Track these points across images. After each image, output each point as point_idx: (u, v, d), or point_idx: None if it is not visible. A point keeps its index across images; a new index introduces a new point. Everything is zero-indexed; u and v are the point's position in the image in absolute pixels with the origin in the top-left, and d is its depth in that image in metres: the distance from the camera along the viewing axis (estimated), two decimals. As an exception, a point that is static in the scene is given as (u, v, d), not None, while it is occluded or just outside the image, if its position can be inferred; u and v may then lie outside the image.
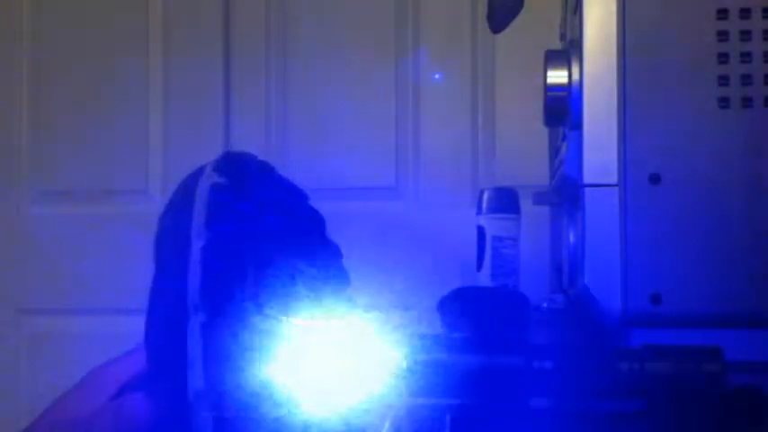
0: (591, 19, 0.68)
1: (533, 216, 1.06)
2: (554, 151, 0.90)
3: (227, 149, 1.46)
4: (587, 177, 0.67)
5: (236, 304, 0.44)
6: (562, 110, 0.71)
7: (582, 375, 0.52)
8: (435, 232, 1.42)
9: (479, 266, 1.02)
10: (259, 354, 0.44)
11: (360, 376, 0.51)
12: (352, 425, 0.50)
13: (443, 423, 0.61)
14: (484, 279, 1.02)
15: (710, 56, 0.67)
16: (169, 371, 0.42)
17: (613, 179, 0.67)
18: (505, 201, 1.03)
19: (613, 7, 0.68)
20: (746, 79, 0.66)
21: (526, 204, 1.01)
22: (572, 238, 0.75)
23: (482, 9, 1.05)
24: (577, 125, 0.68)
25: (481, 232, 1.02)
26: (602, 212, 0.67)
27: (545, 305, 0.87)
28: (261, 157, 0.50)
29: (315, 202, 0.53)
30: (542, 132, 0.97)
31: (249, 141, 1.46)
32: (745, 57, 0.67)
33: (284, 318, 0.47)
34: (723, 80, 0.67)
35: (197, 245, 0.43)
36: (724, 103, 0.67)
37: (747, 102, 0.66)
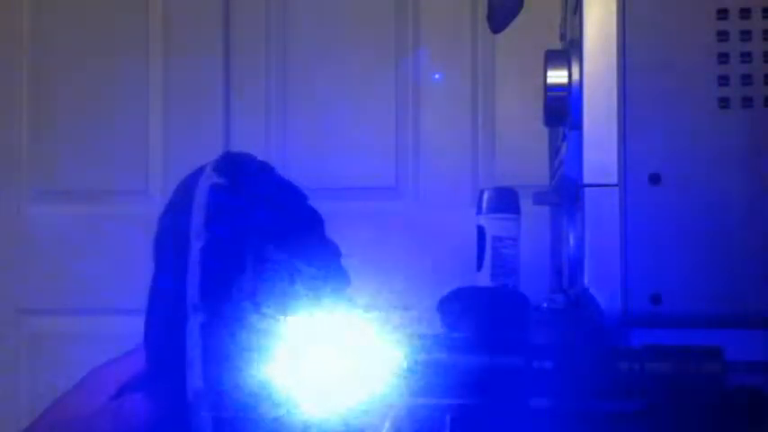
0: (591, 19, 0.68)
1: (533, 216, 1.06)
2: (554, 151, 0.90)
3: (227, 149, 1.46)
4: (587, 177, 0.67)
5: (236, 304, 0.44)
6: (562, 110, 0.71)
7: (582, 375, 0.52)
8: (435, 232, 1.42)
9: (479, 266, 1.02)
10: (258, 354, 0.44)
11: (360, 376, 0.51)
12: (352, 425, 0.50)
13: (443, 423, 0.61)
14: (484, 279, 1.02)
15: (710, 56, 0.67)
16: (168, 371, 0.42)
17: (613, 179, 0.67)
18: (505, 201, 1.03)
19: (613, 7, 0.68)
20: (746, 79, 0.66)
21: (526, 204, 1.01)
22: (572, 238, 0.75)
23: (482, 9, 1.05)
24: (577, 125, 0.68)
25: (481, 232, 1.02)
26: (602, 212, 0.67)
27: (545, 305, 0.87)
28: (261, 157, 0.50)
29: (315, 202, 0.52)
30: (542, 132, 0.97)
31: (249, 141, 1.46)
32: (745, 57, 0.67)
33: (283, 318, 0.47)
34: (723, 80, 0.67)
35: (196, 245, 0.43)
36: (724, 103, 0.66)
37: (747, 102, 0.66)
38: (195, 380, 0.42)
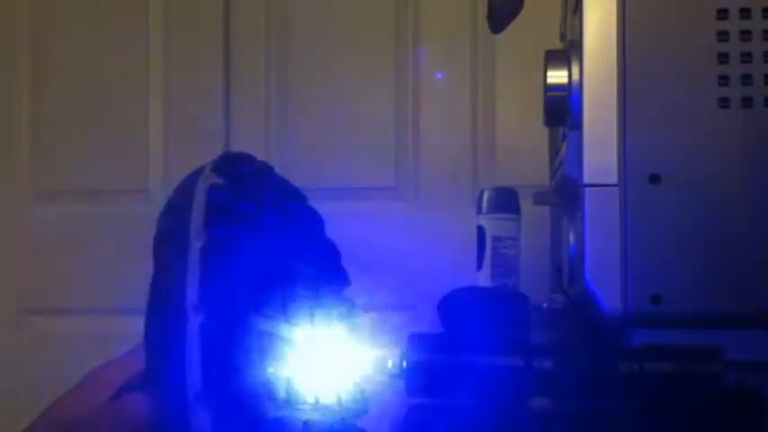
0: (591, 19, 0.68)
1: (533, 216, 1.06)
2: (554, 151, 0.90)
3: (227, 149, 1.46)
4: (587, 177, 0.67)
5: (235, 305, 0.44)
6: (562, 110, 0.71)
7: (582, 375, 0.52)
8: (435, 232, 1.42)
9: (479, 266, 1.02)
10: (258, 354, 0.44)
11: (359, 376, 0.52)
12: (352, 425, 0.50)
13: (443, 423, 0.61)
14: (484, 279, 1.02)
15: (710, 56, 0.67)
16: (168, 371, 0.42)
17: (613, 179, 0.67)
18: (505, 201, 1.03)
19: (613, 7, 0.68)
20: (746, 79, 0.66)
21: (526, 204, 1.01)
22: (572, 238, 0.75)
23: (482, 9, 1.05)
24: (577, 125, 0.68)
25: (481, 232, 1.02)
26: (602, 212, 0.67)
27: (545, 305, 0.87)
28: (261, 158, 0.50)
29: (315, 202, 0.52)
30: (542, 132, 0.97)
31: (249, 141, 1.46)
32: (745, 57, 0.66)
33: (283, 318, 0.47)
34: (723, 80, 0.67)
35: (195, 246, 0.43)
36: (724, 103, 0.66)
37: (747, 102, 0.66)
38: (195, 380, 0.42)
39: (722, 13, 0.67)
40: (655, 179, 0.67)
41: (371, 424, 0.52)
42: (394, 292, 1.35)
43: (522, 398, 0.53)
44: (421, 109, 1.46)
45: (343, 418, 0.49)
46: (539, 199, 0.92)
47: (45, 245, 1.52)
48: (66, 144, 1.52)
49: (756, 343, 0.64)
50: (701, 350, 0.54)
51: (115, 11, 1.52)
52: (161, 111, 1.51)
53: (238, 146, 1.48)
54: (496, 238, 1.01)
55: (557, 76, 0.71)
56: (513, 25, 0.85)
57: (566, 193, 0.78)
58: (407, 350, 0.53)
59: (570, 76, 0.70)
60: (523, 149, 1.38)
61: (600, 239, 0.66)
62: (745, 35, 0.67)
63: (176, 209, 0.45)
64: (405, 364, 0.52)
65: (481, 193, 1.04)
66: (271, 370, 0.45)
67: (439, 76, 1.46)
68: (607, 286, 0.66)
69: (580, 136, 0.68)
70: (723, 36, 0.67)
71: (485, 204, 1.03)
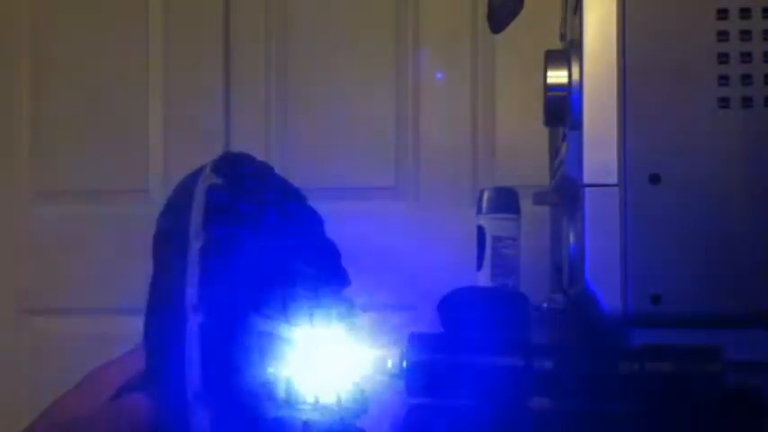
0: (591, 19, 0.68)
1: (533, 216, 1.06)
2: (554, 151, 0.90)
3: (227, 149, 1.46)
4: (587, 177, 0.67)
5: (235, 305, 0.44)
6: (562, 110, 0.71)
7: (582, 375, 0.52)
8: (435, 232, 1.42)
9: (479, 266, 1.02)
10: (257, 354, 0.44)
11: (359, 376, 0.51)
12: (352, 425, 0.50)
13: (444, 423, 0.61)
14: (484, 279, 1.02)
15: (710, 56, 0.67)
16: (167, 371, 0.42)
17: (613, 179, 0.67)
18: (505, 201, 1.03)
19: (613, 7, 0.68)
20: (746, 79, 0.66)
21: (526, 204, 1.01)
22: (572, 238, 0.75)
23: (482, 9, 1.05)
24: (577, 125, 0.68)
25: (481, 232, 1.02)
26: (602, 212, 0.67)
27: (545, 305, 0.87)
28: (261, 158, 0.50)
29: (315, 202, 0.52)
30: (542, 132, 0.97)
31: (249, 141, 1.46)
32: (746, 57, 0.66)
33: (283, 318, 0.47)
34: (723, 80, 0.67)
35: (195, 246, 0.43)
36: (724, 103, 0.66)
37: (747, 102, 0.66)
38: (194, 380, 0.42)
39: (722, 13, 0.67)
40: (655, 179, 0.67)
41: (371, 424, 0.52)
42: (394, 292, 1.35)
43: (522, 398, 0.53)
44: (421, 109, 1.46)
45: (342, 418, 0.49)
46: (539, 199, 0.92)
47: (45, 245, 1.52)
48: (66, 144, 1.52)
49: (756, 343, 0.64)
50: (701, 350, 0.54)
51: (115, 11, 1.52)
52: (161, 111, 1.51)
53: (238, 146, 1.48)
54: (496, 238, 1.01)
55: (557, 76, 0.71)
56: (513, 25, 0.85)
57: (566, 193, 0.78)
58: (407, 350, 0.53)
59: (570, 76, 0.70)
60: (523, 149, 1.38)
61: (600, 239, 0.66)
62: (745, 35, 0.67)
63: (176, 209, 0.45)
64: (405, 364, 0.52)
65: (481, 193, 1.04)
66: (270, 370, 0.45)
67: (439, 76, 1.46)
68: (607, 286, 0.66)
69: (580, 136, 0.68)
70: (723, 36, 0.67)
71: (485, 204, 1.03)
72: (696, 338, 0.65)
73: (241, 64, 1.50)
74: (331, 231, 0.53)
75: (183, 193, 0.45)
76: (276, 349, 0.45)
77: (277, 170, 0.51)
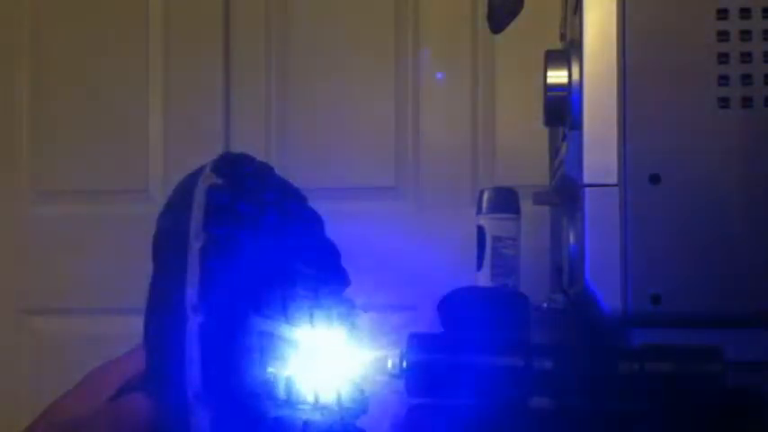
0: (591, 19, 0.68)
1: (533, 216, 1.06)
2: (554, 151, 0.90)
3: (227, 149, 1.46)
4: (587, 177, 0.67)
5: (235, 305, 0.44)
6: (562, 110, 0.71)
7: (582, 375, 0.52)
8: (435, 232, 1.42)
9: (479, 266, 1.02)
10: (258, 354, 0.44)
11: (359, 376, 0.51)
12: (352, 425, 0.50)
13: (444, 423, 0.61)
14: (484, 279, 1.02)
15: (710, 56, 0.67)
16: (168, 371, 0.42)
17: (613, 179, 0.67)
18: (505, 201, 1.03)
19: (613, 7, 0.68)
20: (746, 79, 0.66)
21: (526, 204, 1.01)
22: (572, 238, 0.75)
23: (482, 9, 1.05)
24: (577, 125, 0.68)
25: (481, 232, 1.02)
26: (602, 212, 0.67)
27: (545, 305, 0.87)
28: (261, 158, 0.50)
29: (315, 202, 0.52)
30: (542, 132, 0.97)
31: (249, 141, 1.46)
32: (745, 57, 0.66)
33: (283, 318, 0.47)
34: (723, 80, 0.67)
35: (195, 246, 0.43)
36: (724, 103, 0.66)
37: (747, 102, 0.66)
38: (194, 380, 0.42)
39: (722, 13, 0.67)
40: (655, 179, 0.67)
41: (371, 424, 0.52)
42: (394, 292, 1.35)
43: (522, 398, 0.53)
44: (421, 109, 1.46)
45: (342, 418, 0.49)
46: (539, 199, 0.92)
47: (45, 245, 1.52)
48: (66, 144, 1.52)
49: (756, 343, 0.64)
50: (701, 350, 0.54)
51: (115, 11, 1.52)
52: (161, 111, 1.51)
53: (238, 146, 1.48)
54: (496, 238, 1.01)
55: (557, 76, 0.71)
56: (513, 25, 0.85)
57: (566, 193, 0.78)
58: (407, 350, 0.53)
59: (570, 76, 0.70)
60: (523, 149, 1.38)
61: (600, 239, 0.66)
62: (745, 35, 0.67)
63: (176, 209, 0.45)
64: (405, 364, 0.52)
65: (481, 193, 1.04)
66: (270, 370, 0.45)
67: (439, 76, 1.46)
68: (607, 286, 0.66)
69: (580, 136, 0.68)
70: (723, 36, 0.67)
71: (485, 204, 1.03)
72: (696, 338, 0.65)
73: (241, 64, 1.50)
74: (331, 231, 0.53)
75: (183, 193, 0.45)
76: (276, 349, 0.45)
77: (277, 170, 0.51)
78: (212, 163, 0.47)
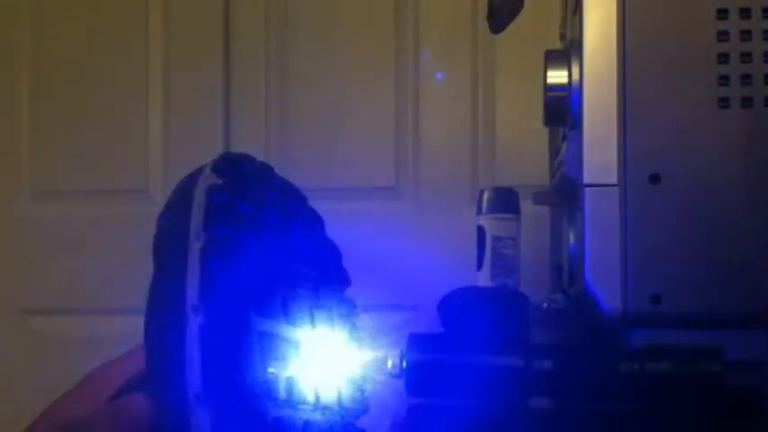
0: (591, 19, 0.68)
1: (533, 216, 1.06)
2: (554, 151, 0.90)
3: (227, 149, 1.46)
4: (587, 177, 0.67)
5: (235, 305, 0.44)
6: (562, 110, 0.71)
7: (582, 375, 0.52)
8: (435, 232, 1.42)
9: (479, 266, 1.02)
10: (258, 354, 0.44)
11: (359, 376, 0.52)
12: (352, 425, 0.50)
13: (444, 423, 0.61)
14: (484, 279, 1.02)
15: (710, 56, 0.67)
16: (168, 372, 0.42)
17: (613, 179, 0.67)
18: (505, 201, 1.03)
19: (613, 7, 0.68)
20: (746, 79, 0.66)
21: (526, 204, 1.01)
22: (572, 238, 0.75)
23: (482, 9, 1.05)
24: (577, 125, 0.68)
25: (481, 232, 1.02)
26: (602, 212, 0.67)
27: (545, 305, 0.87)
28: (261, 158, 0.50)
29: (315, 202, 0.52)
30: (542, 132, 0.97)
31: (249, 141, 1.46)
32: (745, 57, 0.66)
33: (283, 318, 0.47)
34: (723, 80, 0.67)
35: (196, 246, 0.43)
36: (724, 103, 0.66)
37: (747, 102, 0.66)
38: (195, 380, 0.42)
39: (722, 13, 0.67)
40: (655, 179, 0.67)
41: (371, 424, 0.52)
42: (394, 292, 1.35)
43: (522, 398, 0.53)
44: (421, 109, 1.46)
45: (343, 418, 0.49)
46: (539, 199, 0.92)
47: (45, 245, 1.52)
48: (66, 144, 1.52)
49: (756, 343, 0.64)
50: (701, 350, 0.54)
51: (115, 11, 1.52)
52: (161, 111, 1.51)
53: (238, 146, 1.48)
54: (496, 238, 1.01)
55: (557, 76, 0.71)
56: (513, 25, 0.85)
57: (566, 193, 0.78)
58: (407, 350, 0.53)
59: (570, 76, 0.70)
60: (523, 149, 1.38)
61: (600, 239, 0.66)
62: (745, 35, 0.67)
63: (176, 209, 0.45)
64: (405, 364, 0.52)
65: (481, 193, 1.04)
66: (271, 370, 0.45)
67: (439, 76, 1.46)
68: (607, 286, 0.66)
69: (580, 136, 0.68)
70: (723, 36, 0.67)
71: (485, 204, 1.03)
72: (696, 338, 0.65)
73: (241, 64, 1.50)
74: (331, 231, 0.53)
75: (184, 193, 0.45)
76: (277, 349, 0.45)
77: (277, 170, 0.51)
78: (212, 163, 0.47)
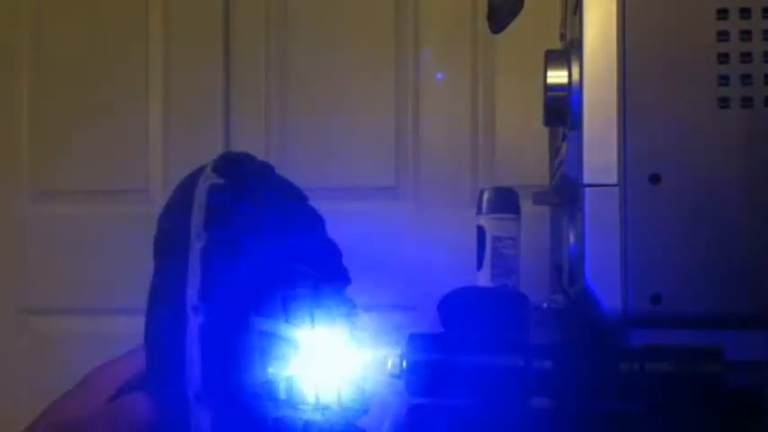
0: (591, 19, 0.68)
1: (533, 216, 1.06)
2: (554, 151, 0.90)
3: (227, 149, 1.46)
4: (587, 177, 0.67)
5: (235, 305, 0.44)
6: (562, 110, 0.71)
7: (582, 375, 0.52)
8: (435, 232, 1.42)
9: (479, 266, 1.02)
10: (258, 354, 0.44)
11: (360, 376, 0.51)
12: (352, 425, 0.50)
13: (444, 423, 0.61)
14: (484, 279, 1.02)
15: (710, 56, 0.67)
16: (168, 372, 0.42)
17: (613, 179, 0.67)
18: (505, 201, 1.03)
19: (613, 7, 0.68)
20: (746, 79, 0.66)
21: (526, 204, 1.01)
22: (572, 238, 0.75)
23: (482, 9, 1.05)
24: (577, 125, 0.68)
25: (481, 232, 1.02)
26: (602, 212, 0.67)
27: (545, 305, 0.87)
28: (261, 158, 0.50)
29: (315, 202, 0.52)
30: (542, 132, 0.97)
31: (249, 141, 1.46)
32: (745, 57, 0.66)
33: (283, 318, 0.47)
34: (723, 80, 0.67)
35: (196, 246, 0.43)
36: (724, 103, 0.66)
37: (747, 102, 0.66)
38: (195, 380, 0.42)
39: (722, 13, 0.67)
40: (655, 179, 0.67)
41: (371, 424, 0.52)
42: (394, 292, 1.35)
43: (522, 398, 0.53)
44: (421, 109, 1.46)
45: (343, 418, 0.49)
46: (539, 199, 0.92)
47: (45, 245, 1.52)
48: (66, 144, 1.52)
49: (756, 343, 0.64)
50: (701, 350, 0.54)
51: (115, 11, 1.52)
52: (161, 111, 1.51)
53: (238, 146, 1.48)
54: (496, 238, 1.01)
55: (557, 76, 0.71)
56: (513, 25, 0.85)
57: (566, 193, 0.78)
58: (407, 350, 0.53)
59: (570, 76, 0.70)
60: (523, 149, 1.38)
61: (600, 239, 0.66)
62: (745, 35, 0.67)
63: (176, 209, 0.45)
64: (405, 364, 0.52)
65: (481, 193, 1.04)
66: (271, 370, 0.45)
67: (439, 76, 1.46)
68: (607, 286, 0.66)
69: (580, 136, 0.68)
70: (723, 36, 0.67)
71: (485, 204, 1.03)
72: (696, 338, 0.65)
73: (241, 64, 1.50)
74: (331, 231, 0.53)
75: (184, 193, 0.45)
76: (277, 349, 0.45)
77: (277, 170, 0.51)
78: (213, 163, 0.47)
